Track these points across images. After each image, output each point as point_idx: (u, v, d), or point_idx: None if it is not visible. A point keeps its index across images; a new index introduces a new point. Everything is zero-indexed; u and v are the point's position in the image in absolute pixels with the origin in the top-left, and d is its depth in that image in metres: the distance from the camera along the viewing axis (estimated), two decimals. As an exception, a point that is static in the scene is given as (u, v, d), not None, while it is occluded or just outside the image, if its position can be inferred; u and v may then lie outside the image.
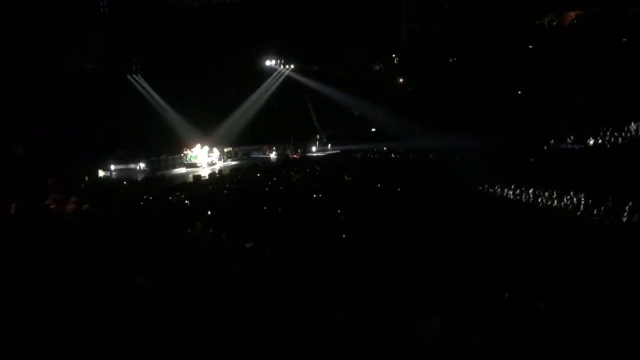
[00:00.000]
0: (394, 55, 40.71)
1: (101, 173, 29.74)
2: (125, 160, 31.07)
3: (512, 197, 24.84)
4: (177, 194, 25.36)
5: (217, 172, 31.23)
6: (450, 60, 38.45)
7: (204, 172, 31.12)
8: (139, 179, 28.62)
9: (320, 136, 37.96)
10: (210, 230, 10.52)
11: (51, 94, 23.28)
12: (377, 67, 40.57)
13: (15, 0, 21.26)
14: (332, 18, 34.59)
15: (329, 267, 8.63)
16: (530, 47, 37.13)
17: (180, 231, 10.77)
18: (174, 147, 33.87)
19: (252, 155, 35.52)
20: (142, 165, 31.21)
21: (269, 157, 35.27)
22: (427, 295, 7.05)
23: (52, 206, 8.31)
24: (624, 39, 33.97)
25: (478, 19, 37.79)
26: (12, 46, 20.76)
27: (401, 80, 39.87)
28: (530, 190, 24.32)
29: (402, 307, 5.99)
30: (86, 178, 26.94)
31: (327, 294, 6.93)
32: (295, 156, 35.28)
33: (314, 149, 37.14)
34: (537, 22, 38.70)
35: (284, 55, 36.36)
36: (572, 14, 38.16)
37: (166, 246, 8.49)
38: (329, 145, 37.53)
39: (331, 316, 4.83)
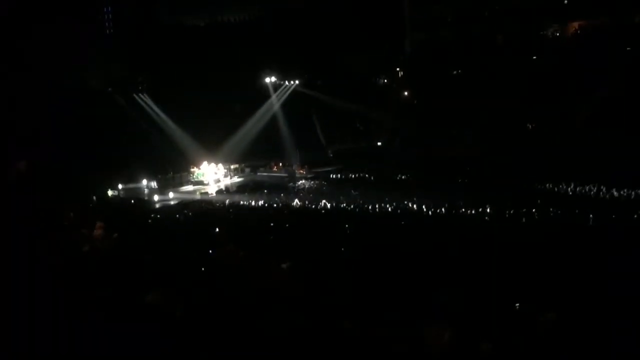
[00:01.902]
0: (397, 69, 40.89)
1: (110, 192, 29.87)
2: (133, 179, 31.20)
3: None
4: (185, 211, 25.44)
5: (223, 189, 31.36)
6: (454, 71, 38.60)
7: (211, 190, 31.25)
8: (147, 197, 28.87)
9: (326, 151, 37.97)
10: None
11: (57, 113, 23.48)
12: (381, 80, 40.71)
13: (20, 18, 21.53)
14: (335, 30, 34.81)
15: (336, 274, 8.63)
16: (534, 57, 37.24)
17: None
18: (181, 164, 34.05)
19: (258, 172, 35.53)
20: (152, 183, 31.30)
21: (276, 173, 35.30)
22: (435, 301, 7.03)
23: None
24: (628, 48, 34.02)
25: (481, 29, 37.98)
26: (17, 64, 21.01)
27: (406, 92, 39.98)
28: None
29: (409, 314, 5.96)
30: (94, 197, 27.06)
31: (335, 300, 6.92)
32: (301, 171, 35.28)
33: (319, 164, 37.06)
34: (541, 32, 38.83)
35: (289, 70, 36.55)
36: (576, 24, 38.29)
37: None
38: (336, 159, 37.47)
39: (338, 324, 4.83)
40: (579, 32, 38.10)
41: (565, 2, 38.93)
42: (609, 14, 35.92)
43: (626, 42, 34.03)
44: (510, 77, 33.81)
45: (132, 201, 28.57)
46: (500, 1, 39.01)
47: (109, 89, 33.43)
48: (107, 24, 34.16)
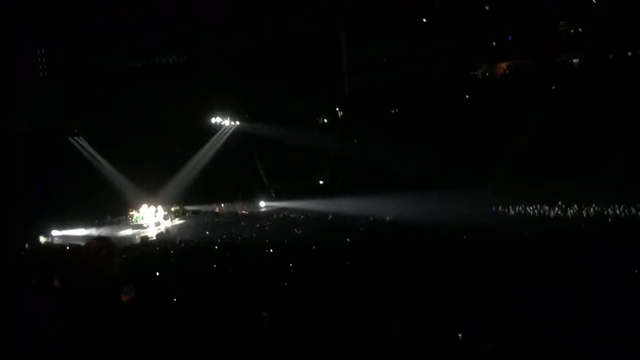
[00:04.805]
0: (337, 109, 41.61)
1: (42, 239, 28.67)
2: (68, 224, 30.06)
3: None
4: (123, 256, 24.61)
5: (164, 231, 30.63)
6: (392, 110, 39.64)
7: (151, 233, 30.47)
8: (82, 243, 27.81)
9: (269, 190, 37.88)
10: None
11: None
12: (322, 120, 41.29)
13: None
14: (275, 73, 35.25)
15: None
16: (467, 97, 38.69)
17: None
18: (119, 208, 33.11)
19: (200, 213, 34.98)
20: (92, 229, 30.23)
21: (218, 214, 34.83)
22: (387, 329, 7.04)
23: None
24: (552, 87, 35.92)
25: (415, 70, 39.31)
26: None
27: (345, 131, 40.59)
28: None
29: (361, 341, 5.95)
30: (26, 245, 25.86)
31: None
32: (244, 212, 34.97)
33: (262, 203, 36.92)
34: (472, 72, 40.59)
35: (229, 111, 36.60)
36: (504, 65, 40.31)
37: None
38: (278, 199, 37.37)
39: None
40: (507, 72, 40.10)
41: (494, 44, 40.96)
42: (535, 56, 38.05)
43: (551, 81, 36.00)
44: (444, 114, 35.00)
45: (67, 247, 27.45)
46: (432, 43, 40.56)
47: (43, 132, 32.47)
48: (40, 67, 33.37)
